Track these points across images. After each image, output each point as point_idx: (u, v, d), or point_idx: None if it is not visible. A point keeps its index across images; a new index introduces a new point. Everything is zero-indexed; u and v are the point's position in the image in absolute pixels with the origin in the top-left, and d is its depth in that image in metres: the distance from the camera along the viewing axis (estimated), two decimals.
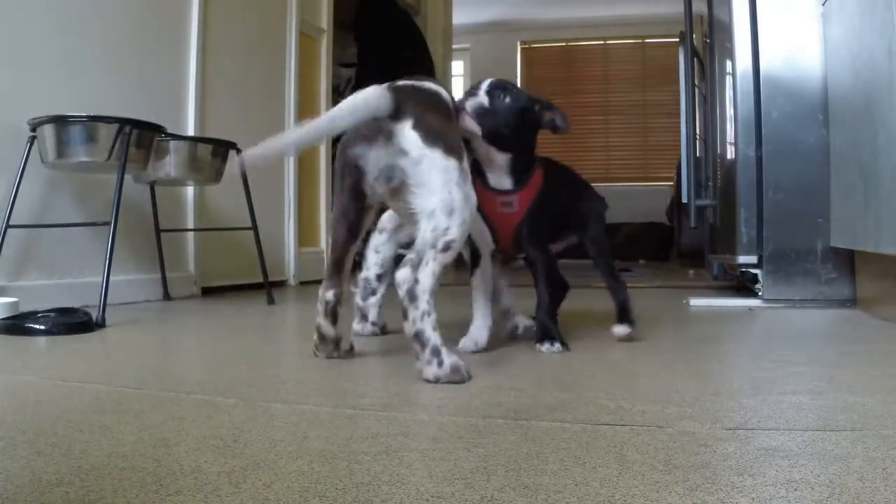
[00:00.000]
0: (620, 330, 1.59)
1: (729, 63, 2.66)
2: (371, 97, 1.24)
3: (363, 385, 1.19)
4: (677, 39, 3.15)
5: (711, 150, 3.14)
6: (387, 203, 1.37)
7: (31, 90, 2.22)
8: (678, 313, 2.33)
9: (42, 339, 1.68)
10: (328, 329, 1.37)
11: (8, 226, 2.06)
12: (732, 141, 2.64)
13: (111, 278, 1.97)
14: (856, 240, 2.10)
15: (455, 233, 1.21)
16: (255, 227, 2.67)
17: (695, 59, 3.04)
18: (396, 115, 1.24)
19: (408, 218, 1.33)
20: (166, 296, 2.68)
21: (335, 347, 1.40)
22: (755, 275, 2.50)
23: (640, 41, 7.76)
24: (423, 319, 1.18)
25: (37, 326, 1.74)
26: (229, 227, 2.90)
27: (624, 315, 1.61)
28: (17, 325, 1.75)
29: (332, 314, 1.37)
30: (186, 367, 1.42)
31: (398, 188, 1.27)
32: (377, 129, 1.26)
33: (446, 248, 1.21)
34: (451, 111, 1.37)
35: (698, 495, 0.66)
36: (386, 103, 1.24)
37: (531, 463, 0.76)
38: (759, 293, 2.45)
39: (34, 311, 1.81)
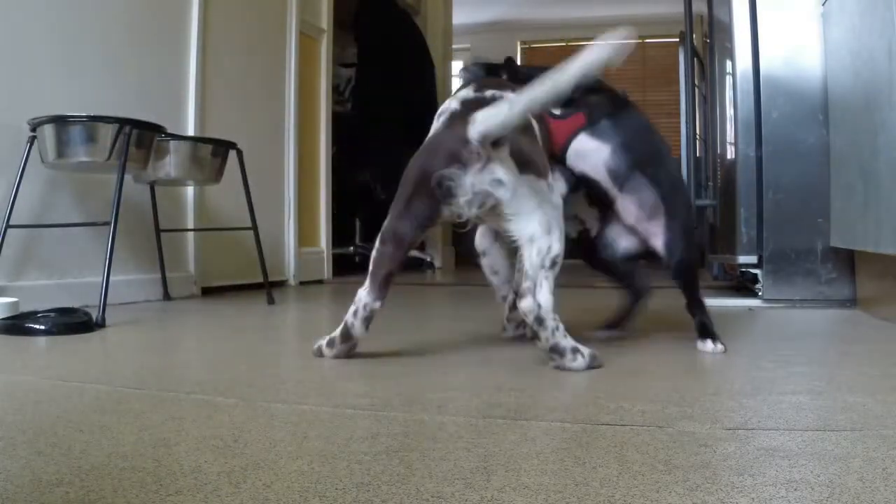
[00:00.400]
0: (709, 346, 1.47)
1: (729, 63, 2.66)
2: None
3: (363, 385, 1.19)
4: (677, 39, 3.16)
5: (711, 150, 3.14)
6: (476, 221, 1.38)
7: (31, 90, 2.22)
8: (678, 313, 2.33)
9: (42, 339, 1.68)
10: (361, 332, 1.37)
11: (8, 226, 2.06)
12: (732, 141, 2.64)
13: (111, 278, 1.97)
14: (856, 240, 2.10)
15: (557, 248, 1.28)
16: (255, 227, 2.67)
17: (695, 59, 3.04)
18: (496, 140, 1.25)
19: (500, 227, 1.37)
20: (166, 296, 2.68)
21: (350, 349, 1.40)
22: (755, 275, 2.50)
23: (640, 41, 7.76)
24: (553, 335, 1.27)
25: (37, 326, 1.74)
26: (229, 227, 2.90)
27: (706, 332, 1.51)
28: (17, 325, 1.75)
29: (368, 321, 1.37)
30: (186, 367, 1.42)
31: (489, 211, 1.30)
32: (473, 154, 1.24)
33: (553, 264, 1.28)
34: (531, 122, 1.37)
35: (698, 495, 0.66)
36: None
37: (531, 463, 0.76)
38: (759, 293, 2.45)
39: (34, 311, 1.81)
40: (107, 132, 2.05)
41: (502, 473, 0.72)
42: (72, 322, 1.79)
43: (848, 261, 2.35)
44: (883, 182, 1.85)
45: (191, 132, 2.82)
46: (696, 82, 3.09)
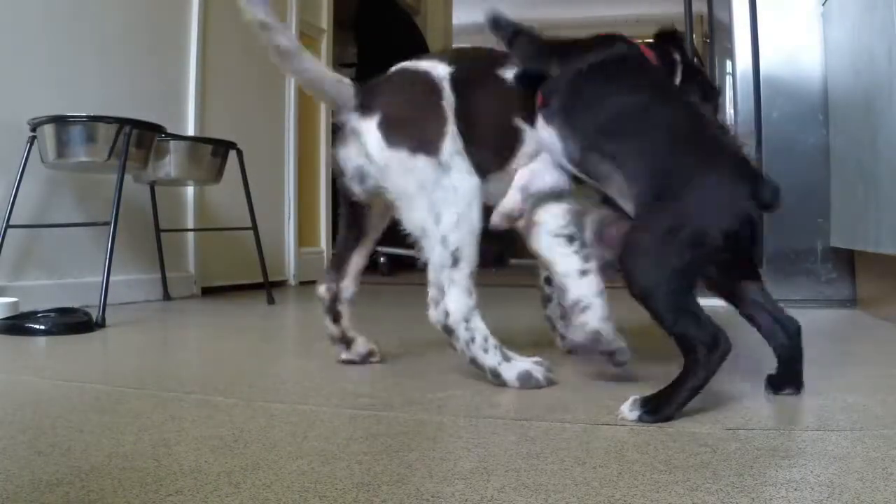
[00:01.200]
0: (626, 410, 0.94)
1: (729, 63, 2.66)
2: (332, 80, 1.20)
3: (363, 385, 1.19)
4: None
5: None
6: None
7: (31, 90, 2.22)
8: None
9: (42, 339, 1.68)
10: (331, 328, 1.34)
11: (8, 226, 2.06)
12: None
13: (111, 278, 1.97)
14: (856, 240, 2.10)
15: (454, 238, 1.12)
16: (255, 227, 2.67)
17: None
18: (362, 109, 1.17)
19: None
20: (166, 296, 2.68)
21: (347, 347, 1.34)
22: None
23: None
24: (469, 347, 1.13)
25: (37, 326, 1.74)
26: (229, 227, 2.90)
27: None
28: (17, 325, 1.75)
29: (331, 311, 1.32)
30: (186, 367, 1.42)
31: (376, 192, 1.20)
32: (347, 127, 1.20)
33: (455, 260, 1.12)
34: (434, 90, 1.19)
35: (698, 495, 0.65)
36: (344, 93, 1.18)
37: (531, 463, 0.76)
38: None
39: (34, 311, 1.81)
40: (107, 132, 2.05)
41: (502, 473, 0.72)
42: (72, 322, 1.79)
43: (848, 261, 2.34)
44: (883, 182, 1.85)
45: (191, 132, 2.82)
46: None
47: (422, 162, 1.13)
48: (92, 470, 0.73)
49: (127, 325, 1.96)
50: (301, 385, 1.19)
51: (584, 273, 1.17)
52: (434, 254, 1.13)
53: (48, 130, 2.05)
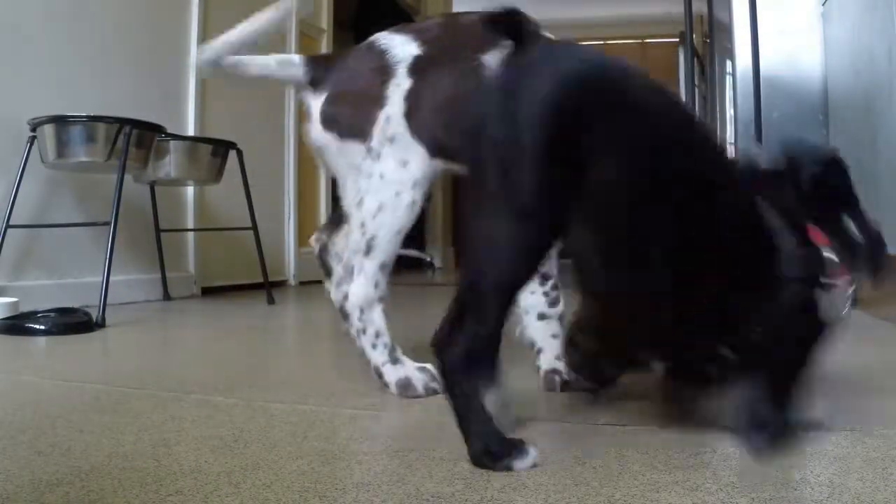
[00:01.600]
0: None
1: (729, 63, 2.66)
2: (274, 66, 1.14)
3: (363, 385, 1.19)
4: (677, 39, 3.16)
5: None
6: None
7: (31, 90, 2.22)
8: None
9: (42, 339, 1.68)
10: (327, 282, 1.24)
11: (8, 226, 2.06)
12: (732, 141, 2.64)
13: (111, 278, 1.97)
14: None
15: (372, 227, 1.06)
16: (255, 227, 2.67)
17: (695, 59, 3.05)
18: (314, 85, 1.13)
19: None
20: (166, 296, 2.68)
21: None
22: None
23: (640, 41, 7.76)
24: (359, 338, 1.10)
25: (37, 326, 1.74)
26: (229, 227, 2.90)
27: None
28: (17, 325, 1.75)
29: (324, 265, 1.24)
30: (186, 367, 1.42)
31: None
32: (304, 104, 1.15)
33: (368, 248, 1.07)
34: (382, 71, 1.09)
35: (698, 495, 0.66)
36: (293, 72, 1.13)
37: None
38: None
39: (34, 311, 1.81)
40: (107, 132, 2.05)
41: (502, 473, 0.72)
42: (72, 322, 1.79)
43: None
44: (883, 182, 1.85)
45: (191, 132, 2.82)
46: (696, 82, 3.10)
47: (351, 146, 1.09)
48: (92, 470, 0.73)
49: (127, 325, 1.96)
50: (301, 385, 1.19)
51: (542, 317, 1.14)
52: (352, 237, 1.09)
53: (48, 130, 2.05)
